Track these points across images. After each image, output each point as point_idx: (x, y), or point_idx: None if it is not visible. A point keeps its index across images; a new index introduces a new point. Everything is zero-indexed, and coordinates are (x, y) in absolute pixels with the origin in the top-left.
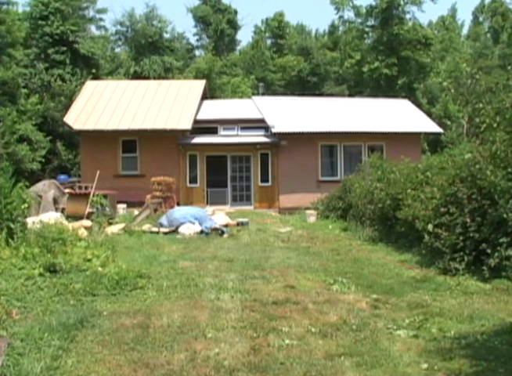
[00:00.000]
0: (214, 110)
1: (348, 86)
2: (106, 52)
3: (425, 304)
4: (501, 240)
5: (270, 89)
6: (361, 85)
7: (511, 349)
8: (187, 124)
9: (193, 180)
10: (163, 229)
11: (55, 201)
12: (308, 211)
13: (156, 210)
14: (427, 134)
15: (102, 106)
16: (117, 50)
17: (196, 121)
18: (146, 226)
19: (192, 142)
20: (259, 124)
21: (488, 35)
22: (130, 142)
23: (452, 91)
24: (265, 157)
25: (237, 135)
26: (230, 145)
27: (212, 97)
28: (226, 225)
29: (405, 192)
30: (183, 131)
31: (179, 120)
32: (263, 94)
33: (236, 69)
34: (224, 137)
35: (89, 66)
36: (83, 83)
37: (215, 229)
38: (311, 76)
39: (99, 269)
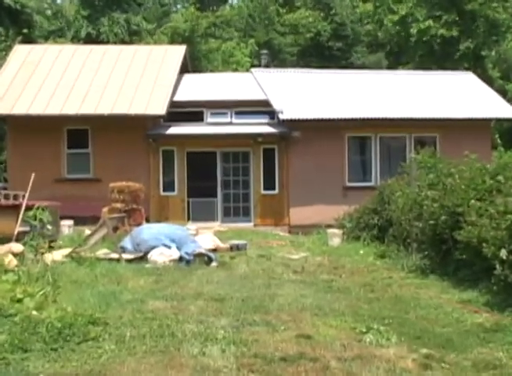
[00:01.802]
0: (198, 88)
1: (388, 54)
2: (43, 4)
3: (498, 363)
4: None
5: (277, 58)
6: (406, 53)
7: None
8: (160, 108)
9: (169, 187)
10: (126, 256)
11: None
12: (330, 231)
13: (116, 228)
14: (499, 121)
15: (38, 81)
16: (60, 1)
17: (172, 104)
18: (102, 252)
19: (167, 133)
20: (261, 107)
21: None
22: (79, 132)
23: None
24: (270, 154)
25: (231, 124)
26: (221, 137)
27: (195, 70)
28: (215, 250)
29: (468, 203)
30: (155, 118)
31: (149, 102)
32: (267, 65)
33: (228, 30)
34: (212, 126)
35: (19, 24)
36: (9, 47)
37: (200, 256)
38: (333, 40)
39: (34, 313)
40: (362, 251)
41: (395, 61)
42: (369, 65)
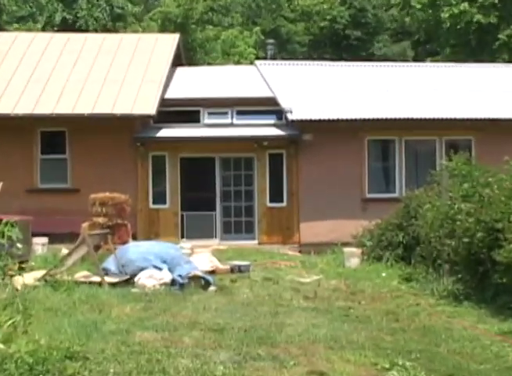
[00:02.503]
0: (193, 84)
1: (414, 44)
2: None
3: None
4: None
5: (286, 50)
6: (436, 42)
7: None
8: (149, 107)
9: (160, 198)
10: (109, 279)
11: None
12: (347, 250)
13: (98, 247)
14: None
15: (6, 74)
16: None
17: (164, 102)
18: (82, 274)
19: (157, 135)
20: (267, 106)
21: None
22: (54, 135)
23: None
24: (278, 160)
25: (231, 125)
26: (220, 140)
27: (190, 62)
28: (213, 272)
29: (509, 218)
30: (143, 119)
31: (136, 100)
32: (274, 57)
33: (229, 15)
34: (210, 128)
35: None
36: None
37: (195, 279)
38: (352, 28)
39: (1, 346)
40: (384, 274)
41: (423, 52)
42: (392, 56)
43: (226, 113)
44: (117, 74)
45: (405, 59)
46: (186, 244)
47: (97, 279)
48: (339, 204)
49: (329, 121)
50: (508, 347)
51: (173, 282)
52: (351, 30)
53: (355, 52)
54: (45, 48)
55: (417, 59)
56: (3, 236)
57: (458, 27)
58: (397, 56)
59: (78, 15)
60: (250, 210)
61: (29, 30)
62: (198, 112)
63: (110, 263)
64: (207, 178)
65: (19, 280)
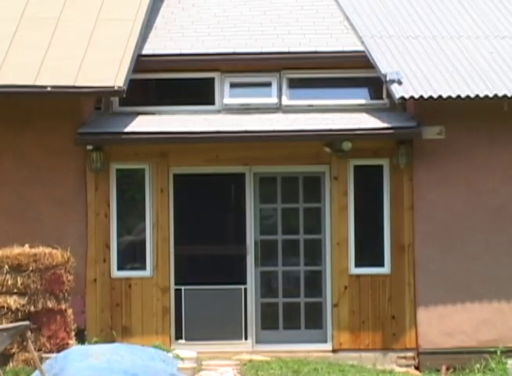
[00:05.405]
0: (201, 26)
1: None
2: None
3: None
4: None
5: None
6: None
7: None
8: (112, 75)
9: (133, 258)
10: None
11: None
12: None
13: (7, 357)
14: None
15: None
16: None
17: (141, 64)
18: None
19: (128, 130)
20: (351, 71)
21: None
22: None
23: None
24: (372, 179)
25: (279, 109)
26: (256, 139)
27: None
28: None
29: None
30: (100, 96)
31: (84, 58)
32: None
33: None
34: (235, 114)
35: None
36: None
37: None
38: None
39: None
40: None
41: None
42: None
43: (268, 84)
44: (46, 7)
45: None
46: (186, 351)
47: None
48: (500, 267)
49: (478, 98)
50: None
51: None
52: None
53: None
54: None
55: None
56: None
57: None
58: None
59: None
60: (315, 281)
61: None
62: (211, 82)
63: None
64: (230, 217)
65: None
